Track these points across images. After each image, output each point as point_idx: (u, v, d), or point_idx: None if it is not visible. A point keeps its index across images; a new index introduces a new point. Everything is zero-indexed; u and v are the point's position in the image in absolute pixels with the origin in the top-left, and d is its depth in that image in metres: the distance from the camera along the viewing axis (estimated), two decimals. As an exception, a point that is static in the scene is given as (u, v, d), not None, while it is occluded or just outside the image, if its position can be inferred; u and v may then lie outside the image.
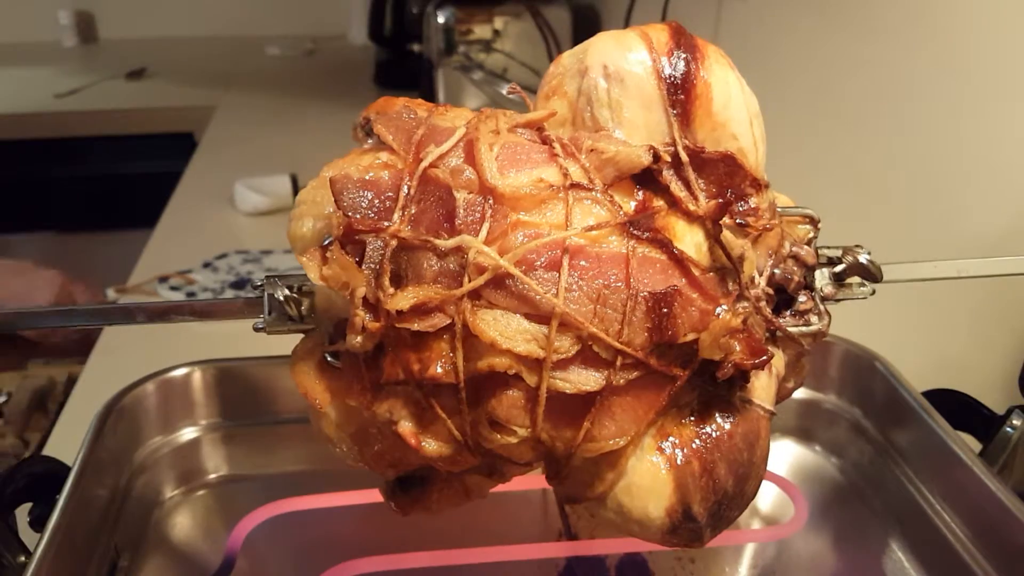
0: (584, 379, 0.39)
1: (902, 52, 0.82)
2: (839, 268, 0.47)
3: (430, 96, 1.72)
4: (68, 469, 0.52)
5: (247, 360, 0.64)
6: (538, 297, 0.37)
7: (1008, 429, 0.58)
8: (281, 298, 0.43)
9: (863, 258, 0.46)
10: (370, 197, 0.39)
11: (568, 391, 0.39)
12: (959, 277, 0.51)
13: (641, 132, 0.41)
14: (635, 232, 0.39)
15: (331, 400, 0.42)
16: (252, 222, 1.39)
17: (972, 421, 0.61)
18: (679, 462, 0.42)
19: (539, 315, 0.38)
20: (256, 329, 0.44)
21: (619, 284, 0.38)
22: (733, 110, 0.41)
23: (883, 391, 0.63)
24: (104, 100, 2.09)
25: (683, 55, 0.41)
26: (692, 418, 0.43)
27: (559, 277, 0.37)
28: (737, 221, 0.41)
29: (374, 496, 0.61)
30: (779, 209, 0.45)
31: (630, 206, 0.40)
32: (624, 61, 0.41)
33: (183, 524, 0.61)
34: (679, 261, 0.39)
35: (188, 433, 0.63)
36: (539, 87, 0.44)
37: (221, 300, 0.47)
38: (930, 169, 0.79)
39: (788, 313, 0.45)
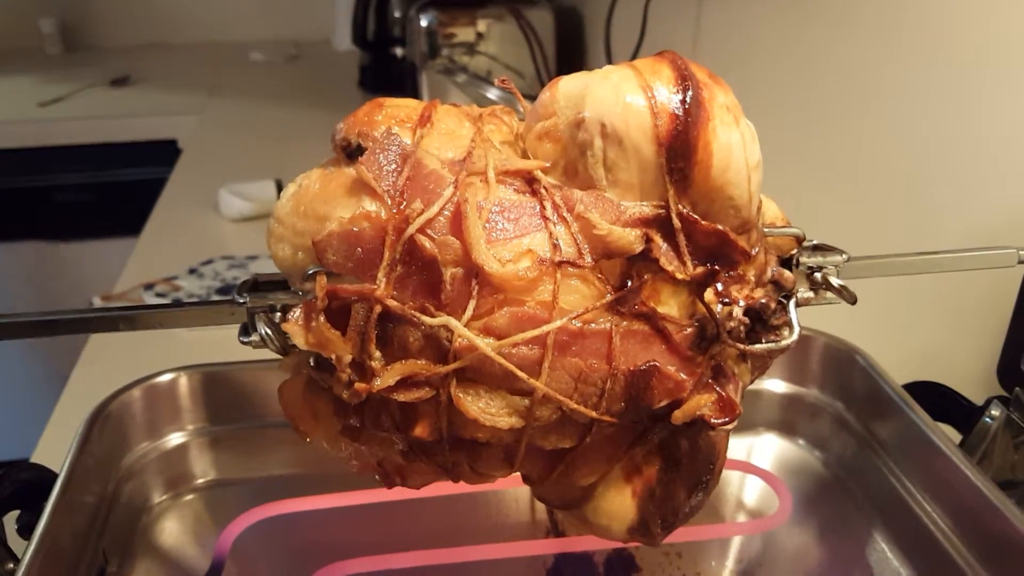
0: (561, 440, 0.42)
1: (880, 47, 0.83)
2: (817, 276, 0.47)
3: (414, 99, 1.72)
4: (55, 476, 0.52)
5: (233, 365, 0.64)
6: (521, 379, 0.38)
7: (987, 420, 0.59)
8: (264, 334, 0.42)
9: (836, 282, 0.47)
10: (354, 254, 0.38)
11: (546, 448, 0.42)
12: (935, 271, 0.51)
13: (635, 192, 0.39)
14: (620, 309, 0.39)
15: (317, 426, 0.43)
16: (237, 228, 1.39)
17: (952, 412, 0.62)
18: (643, 490, 0.45)
19: (522, 390, 0.39)
20: (242, 343, 0.44)
21: (601, 362, 0.39)
22: (732, 173, 0.39)
23: (864, 384, 0.63)
24: (88, 108, 2.08)
25: (687, 118, 0.38)
26: (659, 450, 0.44)
27: (543, 358, 0.38)
28: (722, 300, 0.40)
29: (362, 498, 0.61)
30: (766, 230, 0.45)
31: (617, 279, 0.40)
32: (624, 124, 0.38)
33: (171, 529, 0.61)
34: (661, 330, 0.40)
35: (175, 438, 0.64)
36: (531, 111, 0.42)
37: (205, 305, 0.47)
38: (908, 164, 0.80)
39: (761, 328, 0.45)
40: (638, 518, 0.45)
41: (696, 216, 0.39)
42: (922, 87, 0.77)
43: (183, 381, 0.63)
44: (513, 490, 0.65)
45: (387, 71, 2.04)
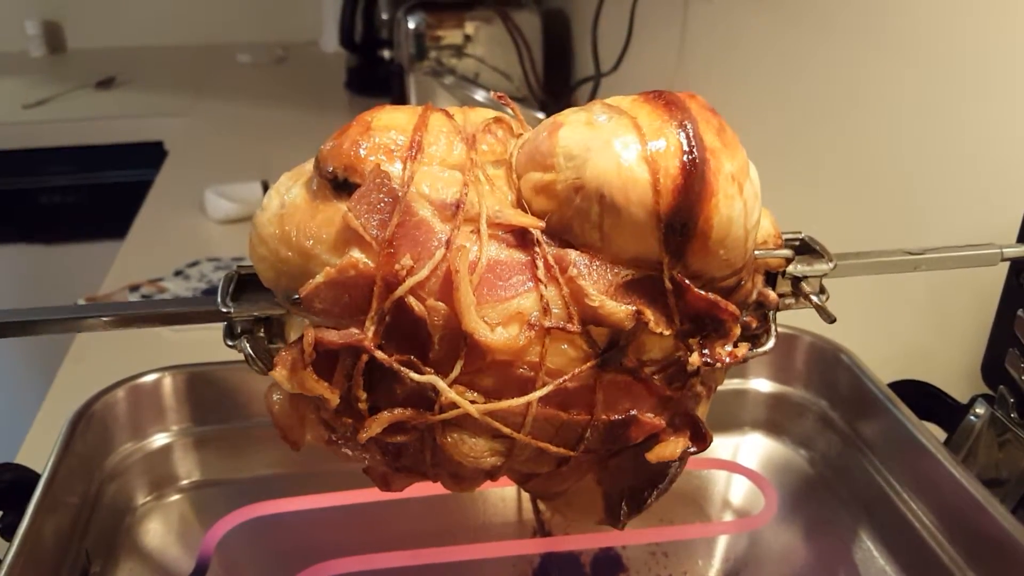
0: (539, 467, 0.44)
1: (863, 47, 0.84)
2: (804, 285, 0.48)
3: (402, 103, 1.72)
4: (38, 476, 0.52)
5: (217, 365, 0.64)
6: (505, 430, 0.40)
7: (972, 418, 0.59)
8: (247, 354, 0.42)
9: (816, 300, 0.47)
10: (341, 300, 0.38)
11: (524, 471, 0.45)
12: (920, 270, 0.51)
13: (629, 255, 0.39)
14: (605, 367, 0.39)
15: (304, 430, 0.43)
16: (223, 229, 1.38)
17: (937, 411, 0.62)
18: (613, 491, 0.46)
19: (504, 435, 0.40)
20: (228, 346, 0.44)
21: (582, 412, 0.40)
22: (729, 241, 0.39)
23: (849, 383, 0.64)
24: (73, 110, 2.07)
25: (690, 195, 0.37)
26: (628, 455, 0.45)
27: (527, 412, 0.39)
28: (705, 361, 0.40)
29: (348, 498, 0.61)
30: (757, 252, 0.44)
31: (605, 338, 0.40)
32: (623, 198, 0.37)
33: (155, 530, 0.60)
34: (643, 379, 0.41)
35: (159, 439, 0.63)
36: (528, 155, 0.40)
37: (190, 304, 0.47)
38: (892, 163, 0.80)
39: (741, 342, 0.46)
40: (606, 513, 0.47)
41: (688, 282, 0.39)
42: (906, 87, 0.78)
43: (167, 381, 0.63)
44: (499, 490, 0.65)
45: (374, 73, 2.03)
